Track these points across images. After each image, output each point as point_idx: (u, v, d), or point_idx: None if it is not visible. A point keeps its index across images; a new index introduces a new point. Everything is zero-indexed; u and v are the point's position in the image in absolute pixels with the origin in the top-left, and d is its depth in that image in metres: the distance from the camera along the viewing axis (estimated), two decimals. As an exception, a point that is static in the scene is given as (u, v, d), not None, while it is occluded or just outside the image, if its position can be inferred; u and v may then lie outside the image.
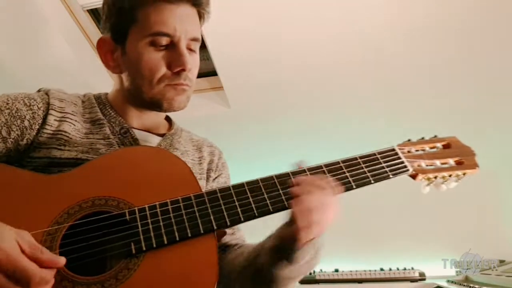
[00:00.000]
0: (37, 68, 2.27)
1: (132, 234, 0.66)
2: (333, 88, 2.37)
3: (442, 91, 2.30)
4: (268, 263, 0.75)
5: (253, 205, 0.72)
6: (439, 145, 0.88)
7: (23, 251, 0.54)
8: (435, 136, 0.90)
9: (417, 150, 0.86)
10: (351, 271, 2.71)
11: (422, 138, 0.89)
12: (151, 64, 0.79)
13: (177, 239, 0.66)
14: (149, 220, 0.67)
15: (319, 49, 2.16)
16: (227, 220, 0.70)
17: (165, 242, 0.66)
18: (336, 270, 2.75)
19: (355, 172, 0.79)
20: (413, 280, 2.56)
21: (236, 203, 0.72)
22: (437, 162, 0.84)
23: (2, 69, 2.25)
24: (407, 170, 0.82)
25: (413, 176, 0.83)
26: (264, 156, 2.68)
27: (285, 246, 0.73)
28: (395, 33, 2.04)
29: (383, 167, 0.80)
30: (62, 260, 0.58)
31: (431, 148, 0.88)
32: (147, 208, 0.68)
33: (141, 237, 0.66)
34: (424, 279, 2.55)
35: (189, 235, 0.67)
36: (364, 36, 2.07)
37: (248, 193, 0.73)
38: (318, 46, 2.14)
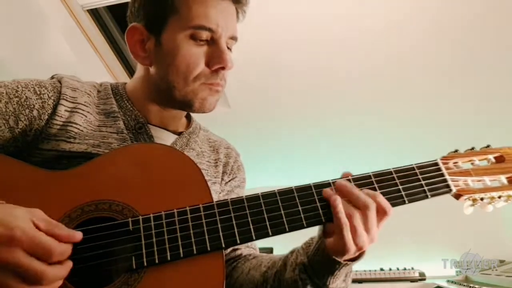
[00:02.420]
0: (37, 68, 2.26)
1: (134, 247, 0.62)
2: (334, 88, 2.37)
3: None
4: (293, 281, 0.71)
5: (267, 223, 0.65)
6: (491, 157, 0.75)
7: (38, 228, 0.53)
8: (488, 146, 0.77)
9: (465, 163, 0.74)
10: (351, 271, 2.71)
11: (472, 149, 0.77)
12: (190, 59, 0.74)
13: (182, 256, 0.62)
14: (153, 232, 0.63)
15: (319, 49, 2.16)
16: (237, 238, 0.64)
17: (168, 258, 0.62)
18: (336, 270, 2.75)
19: (388, 190, 0.68)
20: (413, 280, 2.57)
21: (249, 219, 0.65)
22: (486, 180, 0.72)
23: (1, 69, 2.25)
24: (450, 190, 0.70)
25: (456, 196, 0.72)
26: (264, 157, 2.69)
27: (315, 265, 0.68)
28: (401, 34, 2.04)
29: (421, 185, 0.69)
30: (79, 235, 0.57)
31: (481, 160, 0.75)
32: (151, 218, 0.64)
33: (143, 251, 0.62)
34: (424, 279, 2.55)
35: (195, 252, 0.62)
36: (366, 34, 2.06)
37: (263, 206, 0.66)
38: (319, 46, 2.14)
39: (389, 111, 2.48)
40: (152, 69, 0.79)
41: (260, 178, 2.64)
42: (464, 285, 2.16)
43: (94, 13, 2.27)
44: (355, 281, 2.66)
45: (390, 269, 2.66)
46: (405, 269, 2.62)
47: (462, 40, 2.01)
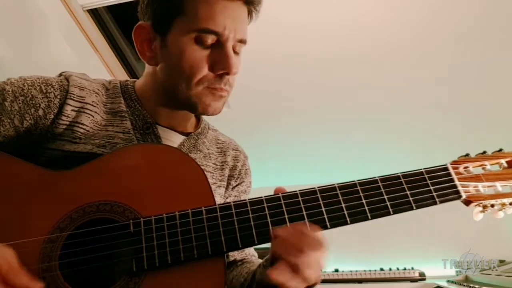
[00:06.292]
0: (37, 68, 2.26)
1: (135, 250, 0.61)
2: (334, 89, 2.37)
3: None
4: None
5: (270, 227, 0.63)
6: (503, 161, 0.72)
7: None
8: (500, 150, 0.74)
9: (475, 167, 0.72)
10: (351, 271, 2.72)
11: (484, 152, 0.74)
12: (193, 63, 0.72)
13: (182, 259, 0.61)
14: (154, 235, 0.62)
15: (318, 49, 2.16)
16: (239, 242, 0.62)
17: (169, 262, 0.61)
18: (336, 270, 2.76)
19: (395, 195, 0.66)
20: (413, 280, 2.57)
21: (252, 223, 0.63)
22: (498, 185, 0.69)
23: (1, 69, 2.25)
24: (459, 196, 0.68)
25: (466, 203, 0.70)
26: (265, 157, 2.68)
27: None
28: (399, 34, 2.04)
29: (429, 191, 0.67)
30: (38, 287, 0.54)
31: (493, 165, 0.72)
32: (153, 221, 0.63)
33: (144, 254, 0.61)
34: (424, 279, 2.55)
35: (196, 256, 0.61)
36: (363, 35, 2.06)
37: (267, 210, 0.64)
38: (318, 46, 2.14)
39: (392, 113, 2.48)
40: (158, 70, 0.78)
41: (259, 178, 2.64)
42: (464, 285, 2.16)
43: (94, 13, 2.27)
44: (355, 281, 2.67)
45: (390, 269, 2.66)
46: (405, 269, 2.63)
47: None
